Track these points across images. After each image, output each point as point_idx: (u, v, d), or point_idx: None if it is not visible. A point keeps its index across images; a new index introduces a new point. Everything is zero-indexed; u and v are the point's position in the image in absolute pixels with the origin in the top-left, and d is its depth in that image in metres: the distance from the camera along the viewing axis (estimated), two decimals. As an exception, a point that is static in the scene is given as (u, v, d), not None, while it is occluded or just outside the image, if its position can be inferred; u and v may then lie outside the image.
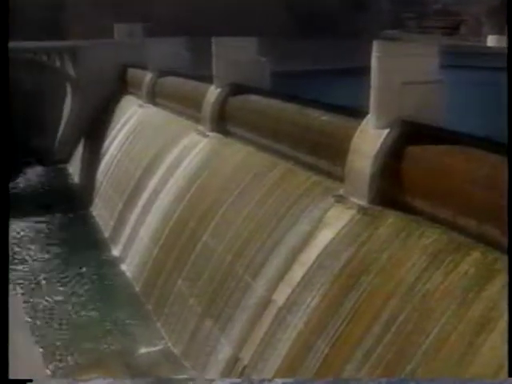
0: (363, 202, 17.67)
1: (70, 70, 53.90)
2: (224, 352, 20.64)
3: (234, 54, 29.35)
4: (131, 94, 48.19)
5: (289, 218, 20.52)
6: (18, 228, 38.78)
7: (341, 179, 19.12)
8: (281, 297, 18.91)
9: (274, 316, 18.79)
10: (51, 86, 58.93)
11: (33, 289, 29.84)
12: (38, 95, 59.66)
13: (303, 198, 20.53)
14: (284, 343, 17.61)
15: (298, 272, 18.68)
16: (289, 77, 57.15)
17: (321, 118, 21.23)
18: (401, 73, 17.40)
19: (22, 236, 37.67)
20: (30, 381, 4.78)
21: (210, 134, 30.06)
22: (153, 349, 24.35)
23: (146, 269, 29.23)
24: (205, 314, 22.80)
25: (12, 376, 5.03)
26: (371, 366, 14.28)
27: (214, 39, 30.30)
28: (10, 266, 32.15)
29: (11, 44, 51.61)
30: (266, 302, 19.55)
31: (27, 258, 34.06)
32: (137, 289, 29.33)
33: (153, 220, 30.81)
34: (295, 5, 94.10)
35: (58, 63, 54.28)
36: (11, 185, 49.85)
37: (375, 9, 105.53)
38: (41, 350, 23.17)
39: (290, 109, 23.78)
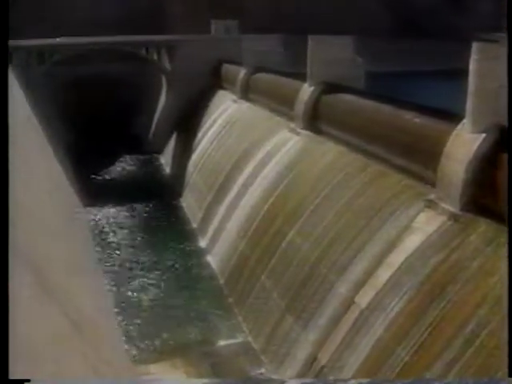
0: (455, 209, 17.22)
1: (167, 64, 55.24)
2: (303, 350, 20.65)
3: (330, 52, 29.22)
4: (225, 89, 48.84)
5: (377, 221, 20.25)
6: (110, 214, 40.17)
7: (432, 184, 18.70)
8: (364, 299, 18.72)
9: (356, 318, 18.63)
10: (149, 79, 60.58)
11: (121, 275, 30.79)
12: (137, 87, 61.43)
13: (393, 200, 20.22)
14: (364, 347, 17.44)
15: (383, 275, 18.44)
16: (384, 77, 56.30)
17: (414, 120, 20.84)
18: (500, 76, 16.81)
19: (113, 222, 38.96)
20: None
21: (302, 131, 30.06)
22: (232, 341, 24.66)
23: (231, 262, 29.58)
24: (286, 311, 22.87)
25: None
26: (453, 377, 13.94)
27: (309, 37, 30.25)
28: (102, 252, 33.40)
29: (111, 38, 54.07)
30: (348, 304, 19.41)
31: (117, 244, 35.18)
32: (221, 281, 29.74)
33: (240, 214, 31.12)
34: (394, 4, 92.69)
35: (155, 57, 55.74)
36: (105, 172, 51.69)
37: (476, 10, 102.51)
38: (123, 337, 23.95)
39: (384, 110, 23.46)
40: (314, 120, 29.40)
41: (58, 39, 53.36)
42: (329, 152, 26.68)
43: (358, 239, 20.60)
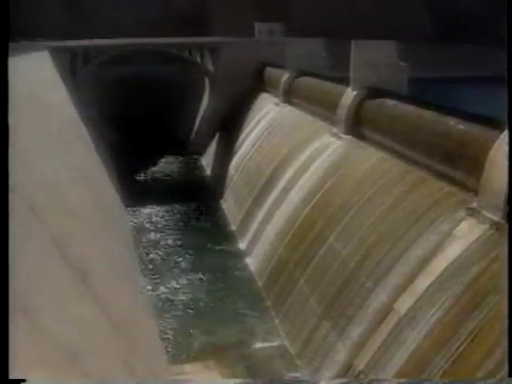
0: (497, 218, 16.89)
1: (210, 66, 55.59)
2: (339, 356, 20.52)
3: (373, 57, 29.02)
4: (267, 92, 48.91)
5: (417, 228, 20.01)
6: (151, 214, 40.63)
7: (475, 191, 18.39)
8: (403, 306, 18.52)
9: (394, 325, 18.44)
10: (191, 81, 61.09)
11: (159, 275, 31.06)
12: (180, 89, 62.00)
13: (434, 208, 19.96)
14: (401, 354, 17.24)
15: (422, 283, 18.21)
16: (428, 83, 55.70)
17: (458, 126, 20.54)
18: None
19: (154, 222, 39.37)
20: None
21: (344, 136, 29.91)
22: (269, 344, 24.64)
23: (270, 265, 29.60)
24: (324, 316, 22.77)
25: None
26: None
27: (353, 42, 30.12)
28: (142, 251, 33.76)
29: (155, 40, 54.92)
30: (386, 311, 19.24)
31: (157, 244, 35.52)
32: (259, 283, 29.77)
33: (280, 218, 31.12)
34: (438, 8, 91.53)
35: (198, 59, 56.17)
36: (147, 173, 52.28)
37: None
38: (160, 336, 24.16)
39: (427, 116, 23.17)
40: (357, 125, 29.22)
41: (87, 40, 54.18)
42: (370, 157, 26.49)
43: (398, 246, 20.40)
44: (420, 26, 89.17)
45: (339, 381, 19.02)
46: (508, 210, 13.73)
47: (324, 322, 22.52)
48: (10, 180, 7.10)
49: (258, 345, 24.59)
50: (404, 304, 18.51)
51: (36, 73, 31.93)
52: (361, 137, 28.74)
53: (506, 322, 11.94)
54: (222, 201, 43.45)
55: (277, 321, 26.06)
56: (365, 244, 22.39)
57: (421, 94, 30.35)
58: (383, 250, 21.09)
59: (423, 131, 22.69)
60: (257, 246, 32.66)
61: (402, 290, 19.03)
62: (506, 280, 13.23)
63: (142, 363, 10.60)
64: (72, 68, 50.47)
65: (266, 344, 24.61)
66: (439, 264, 17.97)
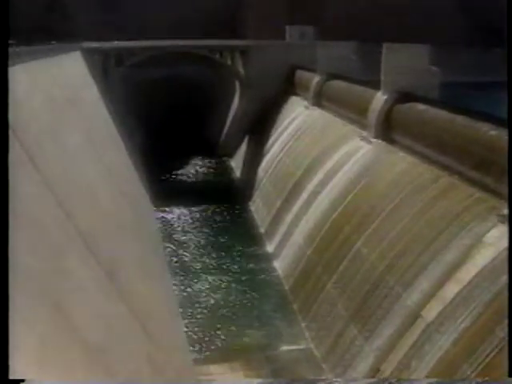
0: (529, 225, 16.68)
1: (240, 68, 55.66)
2: (365, 361, 20.40)
3: (405, 61, 28.80)
4: (298, 95, 48.85)
5: (447, 234, 19.78)
6: (180, 215, 40.84)
7: (506, 198, 18.17)
8: (430, 313, 18.35)
9: (421, 332, 18.28)
10: (222, 83, 61.26)
11: (188, 275, 31.18)
12: (210, 90, 62.23)
13: (464, 214, 19.72)
14: (428, 361, 17.07)
15: (451, 290, 18.00)
16: (461, 88, 55.09)
17: (490, 132, 20.29)
18: None
19: (182, 223, 39.56)
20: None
21: (374, 140, 29.73)
22: (294, 347, 24.59)
23: (298, 268, 29.53)
24: (351, 320, 22.65)
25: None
26: None
27: (384, 45, 29.94)
28: (170, 252, 33.93)
29: (187, 42, 55.11)
30: (414, 317, 19.07)
31: (186, 245, 35.66)
32: (286, 287, 29.72)
33: (308, 221, 31.03)
34: (474, 11, 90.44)
35: (229, 61, 56.31)
36: (177, 174, 52.56)
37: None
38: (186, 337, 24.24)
39: (458, 121, 22.92)
40: (387, 129, 29.02)
41: (119, 42, 54.53)
42: (400, 162, 26.29)
43: (427, 252, 20.20)
44: (453, 30, 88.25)
45: (367, 381, 18.91)
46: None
47: (351, 326, 22.40)
48: (43, 177, 7.19)
49: (284, 347, 24.56)
50: (432, 310, 18.33)
51: (68, 73, 32.30)
52: (391, 141, 28.54)
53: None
54: (250, 203, 43.48)
55: (303, 324, 26.00)
56: (394, 249, 22.22)
57: (452, 98, 30.05)
58: (412, 255, 20.90)
59: (454, 136, 22.44)
60: (285, 249, 32.60)
61: (430, 296, 18.85)
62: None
63: (168, 363, 10.63)
64: (104, 69, 50.91)
65: (292, 347, 24.56)
66: (469, 271, 17.75)
